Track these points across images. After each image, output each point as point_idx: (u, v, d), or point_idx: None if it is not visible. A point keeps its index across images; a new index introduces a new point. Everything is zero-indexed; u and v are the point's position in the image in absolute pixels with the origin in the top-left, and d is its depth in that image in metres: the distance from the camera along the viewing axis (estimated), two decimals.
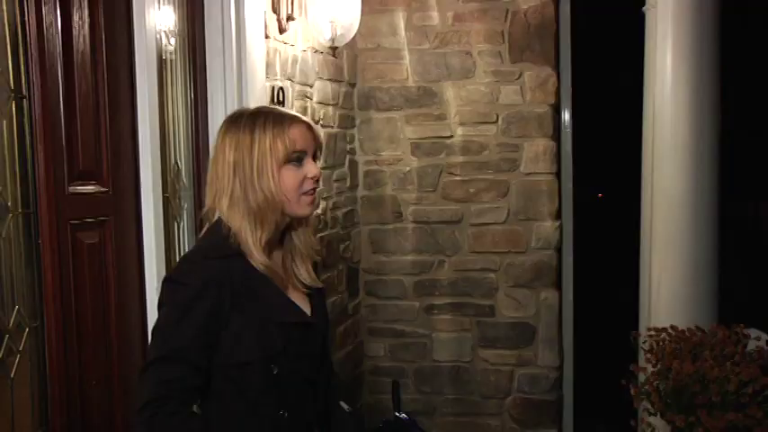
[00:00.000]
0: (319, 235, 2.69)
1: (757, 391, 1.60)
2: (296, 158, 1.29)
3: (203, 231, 1.35)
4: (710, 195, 2.62)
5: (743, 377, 1.60)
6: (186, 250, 2.04)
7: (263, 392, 1.25)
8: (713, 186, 2.65)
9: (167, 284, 1.27)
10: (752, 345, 1.86)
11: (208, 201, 1.32)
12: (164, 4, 1.94)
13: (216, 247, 1.27)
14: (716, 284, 2.60)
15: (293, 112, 1.37)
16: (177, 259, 2.01)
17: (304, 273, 1.36)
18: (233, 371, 1.24)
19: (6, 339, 1.44)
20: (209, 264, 1.24)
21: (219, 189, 1.29)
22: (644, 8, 3.07)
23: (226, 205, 1.28)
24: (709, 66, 2.65)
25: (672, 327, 2.03)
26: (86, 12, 1.59)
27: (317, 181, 1.33)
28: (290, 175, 1.28)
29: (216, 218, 1.31)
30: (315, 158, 1.33)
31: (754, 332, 1.95)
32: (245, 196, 1.26)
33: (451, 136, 3.08)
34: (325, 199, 2.75)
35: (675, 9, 2.57)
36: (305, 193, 1.30)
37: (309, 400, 1.32)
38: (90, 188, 1.64)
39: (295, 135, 1.29)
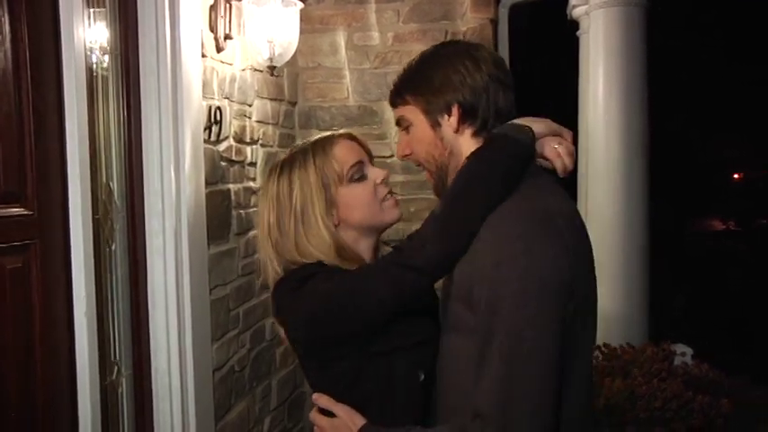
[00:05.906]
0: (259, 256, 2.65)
1: (681, 405, 1.65)
2: (357, 174, 1.24)
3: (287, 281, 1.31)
4: (641, 214, 2.72)
5: (668, 393, 1.66)
6: (118, 276, 1.97)
7: None
8: (644, 205, 2.75)
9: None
10: (678, 360, 1.93)
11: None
12: (95, 20, 1.89)
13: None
14: (647, 301, 2.69)
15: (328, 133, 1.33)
16: (109, 284, 1.95)
17: None
18: None
19: None
20: None
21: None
22: (578, 32, 3.18)
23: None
24: (639, 88, 2.76)
25: (605, 345, 2.09)
26: (7, 27, 1.53)
27: (387, 182, 1.29)
28: (359, 192, 1.24)
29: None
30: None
31: (680, 347, 2.02)
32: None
33: (392, 155, 3.09)
34: None
35: (605, 35, 2.67)
36: (383, 200, 1.26)
37: None
38: (13, 210, 1.57)
39: (341, 154, 1.24)
